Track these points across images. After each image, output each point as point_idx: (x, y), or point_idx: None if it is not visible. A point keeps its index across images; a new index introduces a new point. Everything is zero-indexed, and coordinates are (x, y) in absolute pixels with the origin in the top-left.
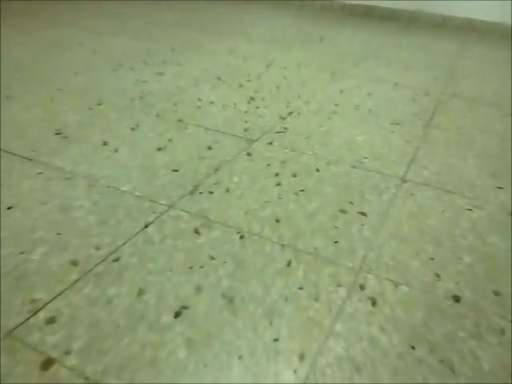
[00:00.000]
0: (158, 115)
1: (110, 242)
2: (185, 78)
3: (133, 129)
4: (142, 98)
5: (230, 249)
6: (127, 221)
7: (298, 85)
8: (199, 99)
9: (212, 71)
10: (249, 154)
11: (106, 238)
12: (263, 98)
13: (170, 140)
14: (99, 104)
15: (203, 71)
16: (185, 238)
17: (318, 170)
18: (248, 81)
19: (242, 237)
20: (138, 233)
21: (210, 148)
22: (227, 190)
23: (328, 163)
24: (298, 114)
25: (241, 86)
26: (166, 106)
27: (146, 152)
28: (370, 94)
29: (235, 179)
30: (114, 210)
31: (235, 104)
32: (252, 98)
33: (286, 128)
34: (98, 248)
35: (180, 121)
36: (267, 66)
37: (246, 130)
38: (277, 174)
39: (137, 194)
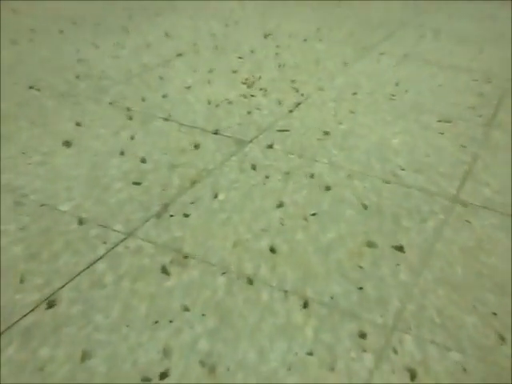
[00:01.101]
0: (112, 103)
1: (44, 284)
2: (150, 52)
3: (78, 124)
4: (89, 78)
5: (211, 296)
6: (67, 254)
7: (309, 63)
8: (170, 82)
9: (189, 43)
10: (240, 162)
11: (37, 277)
12: (260, 83)
13: (129, 139)
14: (31, 87)
15: (177, 43)
16: (148, 280)
17: (335, 186)
18: (239, 57)
19: (228, 279)
20: (82, 271)
21: (184, 151)
22: (209, 212)
23: (350, 176)
24: (309, 104)
25: (229, 64)
26: (123, 90)
27: (95, 157)
28: (408, 79)
29: (220, 197)
30: (50, 237)
31: (221, 90)
32: (245, 82)
33: (291, 125)
34: (26, 291)
35: (143, 112)
36: (265, 37)
37: (235, 126)
38: (278, 191)
39: (82, 215)
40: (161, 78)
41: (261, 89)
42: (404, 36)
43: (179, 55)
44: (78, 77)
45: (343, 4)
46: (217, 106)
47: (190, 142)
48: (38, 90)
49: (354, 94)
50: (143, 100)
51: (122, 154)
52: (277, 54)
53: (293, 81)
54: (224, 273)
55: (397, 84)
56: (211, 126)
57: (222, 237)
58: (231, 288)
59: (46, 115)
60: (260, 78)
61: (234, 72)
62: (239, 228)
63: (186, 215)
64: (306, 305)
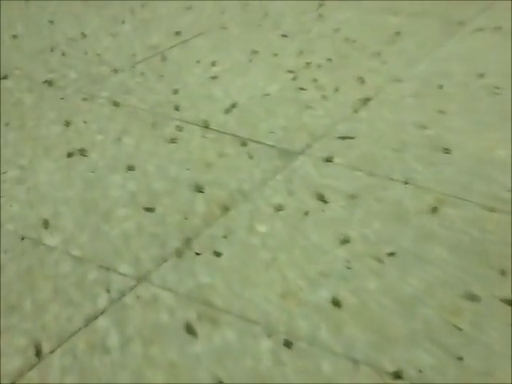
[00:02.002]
0: (110, 99)
1: (27, 346)
2: (161, 29)
3: (66, 126)
4: (80, 64)
5: (252, 366)
6: (58, 305)
7: (381, 44)
8: (189, 70)
9: (213, 15)
10: (287, 180)
11: (19, 336)
12: (312, 71)
13: (135, 148)
14: (3, 77)
15: (197, 16)
16: (167, 343)
17: (419, 215)
18: (283, 35)
19: (275, 343)
20: (78, 330)
21: (211, 166)
22: (247, 250)
23: (439, 201)
24: (380, 101)
25: (269, 45)
26: (126, 81)
27: (90, 172)
28: None
29: (261, 228)
30: (34, 283)
31: (258, 81)
32: (292, 71)
33: (357, 129)
34: (4, 356)
35: (153, 112)
36: (319, 7)
37: (280, 131)
38: (341, 221)
39: (76, 252)
40: (176, 64)
41: (313, 79)
42: (509, 7)
43: (201, 33)
44: (65, 63)
45: None
46: (253, 103)
47: (217, 152)
48: (12, 80)
49: (441, 86)
50: (152, 94)
51: (126, 168)
52: (335, 30)
53: (357, 68)
54: (270, 335)
55: (501, 72)
56: (246, 130)
57: (265, 284)
58: (279, 355)
59: (23, 115)
60: (312, 64)
61: (276, 55)
62: (288, 272)
63: (217, 254)
64: (383, 380)
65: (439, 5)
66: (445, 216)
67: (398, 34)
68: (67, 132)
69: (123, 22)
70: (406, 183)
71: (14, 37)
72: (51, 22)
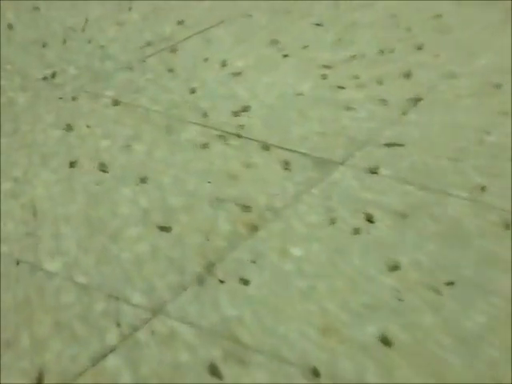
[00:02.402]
0: (117, 100)
1: None
2: (175, 16)
3: (67, 131)
4: (82, 58)
5: None
6: (60, 341)
7: (430, 32)
8: (208, 65)
9: (236, 2)
10: (325, 196)
11: (16, 375)
12: (351, 65)
13: (147, 157)
14: None
15: (215, 2)
16: None
17: (483, 237)
18: (317, 24)
19: None
20: (84, 370)
21: (236, 178)
22: (279, 278)
23: (509, 220)
24: (433, 102)
25: (300, 35)
26: (134, 78)
27: (96, 185)
28: None
29: (296, 252)
30: (32, 314)
31: (288, 78)
32: (328, 67)
33: (406, 135)
34: None
35: (167, 114)
36: None
37: (315, 138)
38: (389, 244)
39: (80, 279)
40: (192, 58)
41: (353, 76)
42: None
43: (220, 22)
44: (63, 56)
45: None
46: (283, 104)
47: (243, 162)
48: (3, 77)
49: (504, 84)
50: (166, 94)
51: (137, 180)
52: (377, 17)
53: (405, 62)
54: (307, 377)
55: None
56: (275, 136)
57: (301, 318)
58: None
59: (16, 117)
60: (351, 57)
61: (308, 48)
62: (329, 304)
63: (244, 281)
64: None
65: None
66: None
67: (452, 21)
68: (68, 137)
69: (130, 9)
70: (466, 199)
71: (9, 26)
72: (47, 8)
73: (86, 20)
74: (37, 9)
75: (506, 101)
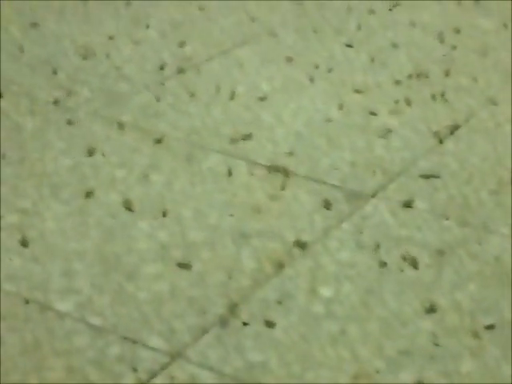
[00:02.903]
0: (133, 125)
1: None
2: (196, 36)
3: (80, 156)
4: (95, 80)
5: None
6: None
7: (470, 54)
8: (231, 88)
9: (261, 19)
10: (356, 231)
11: None
12: (385, 89)
13: (166, 187)
14: None
15: (241, 18)
16: None
17: None
18: (347, 45)
19: None
20: None
21: (261, 211)
22: (307, 320)
23: None
24: (473, 129)
25: (330, 56)
26: (151, 102)
27: (110, 218)
28: None
29: (325, 292)
30: (42, 358)
31: (317, 103)
32: (359, 91)
33: (443, 166)
34: None
35: (187, 141)
36: (392, 8)
37: (345, 167)
38: (426, 284)
39: (93, 320)
40: (215, 80)
41: (387, 101)
42: None
43: (245, 42)
44: (75, 77)
45: None
46: (311, 131)
47: (268, 194)
48: (9, 99)
49: None
50: (186, 119)
51: (156, 213)
52: (412, 37)
53: (442, 86)
54: None
55: None
56: (304, 166)
57: (331, 364)
58: None
59: (23, 144)
60: (384, 81)
61: (339, 70)
62: (361, 349)
63: (270, 324)
64: None
65: None
66: None
67: (493, 42)
68: (80, 166)
69: (148, 27)
70: (508, 235)
71: (14, 44)
72: (57, 24)
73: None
74: (45, 24)
75: None
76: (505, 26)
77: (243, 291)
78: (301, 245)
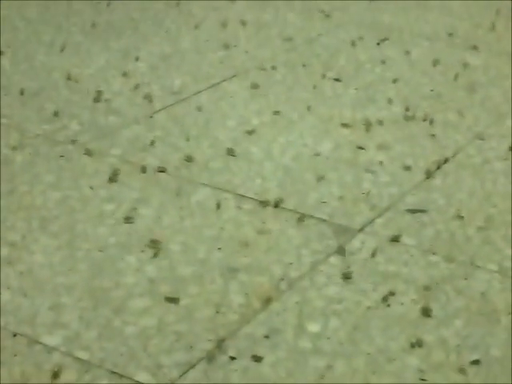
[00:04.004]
0: (122, 158)
1: None
2: (185, 68)
3: (68, 189)
4: (83, 112)
5: None
6: None
7: (457, 90)
8: (219, 122)
9: (252, 53)
10: (344, 265)
11: None
12: (373, 126)
13: (154, 221)
14: None
15: (232, 52)
16: None
17: (510, 311)
18: (336, 79)
19: None
20: None
21: (249, 246)
22: (295, 355)
23: None
24: (459, 165)
25: (319, 90)
26: (140, 135)
27: (99, 252)
28: None
29: (313, 327)
30: None
31: (306, 138)
32: (347, 126)
33: (430, 201)
34: None
35: (175, 176)
36: (379, 43)
37: (333, 202)
38: (412, 320)
39: (81, 355)
40: (204, 114)
41: (375, 136)
42: None
43: (234, 75)
44: (65, 110)
45: None
46: (300, 165)
47: (256, 228)
48: None
49: None
50: (175, 153)
51: (144, 247)
52: (401, 72)
53: (430, 122)
54: None
55: None
56: (292, 201)
57: None
58: None
59: (12, 177)
60: (372, 116)
61: (327, 105)
62: None
63: (257, 359)
64: None
65: None
66: None
67: (480, 78)
68: (69, 200)
69: (137, 59)
70: (495, 272)
71: (3, 76)
72: (47, 56)
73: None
74: (35, 55)
75: None
76: (493, 62)
77: (231, 326)
78: (288, 279)
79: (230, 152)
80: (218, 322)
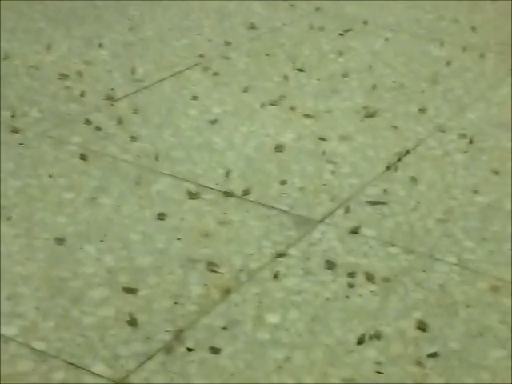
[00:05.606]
0: (83, 150)
1: None
2: (147, 56)
3: (27, 177)
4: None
5: None
6: None
7: (420, 81)
8: (181, 111)
9: (215, 43)
10: (304, 257)
11: None
12: (333, 117)
13: (113, 211)
14: None
15: (194, 40)
16: None
17: (471, 305)
18: (299, 69)
19: None
20: None
21: (209, 236)
22: (254, 347)
23: (499, 288)
24: (420, 157)
25: (282, 83)
26: (100, 120)
27: (57, 243)
28: None
29: (272, 319)
30: None
31: (268, 128)
32: (310, 116)
33: (390, 192)
34: None
35: (135, 164)
36: (343, 33)
37: (294, 193)
38: (371, 311)
39: (38, 345)
40: (166, 102)
41: (337, 127)
42: None
43: (197, 64)
44: (24, 97)
45: None
46: (261, 155)
47: (217, 219)
48: None
49: (498, 139)
50: (136, 142)
51: (102, 236)
52: (363, 65)
53: (392, 114)
54: None
55: None
56: (253, 191)
57: None
58: None
59: None
60: (334, 107)
61: (290, 95)
62: (305, 376)
63: (215, 350)
64: None
65: (498, 35)
66: (502, 307)
67: (443, 70)
68: (28, 188)
69: (100, 46)
70: (453, 264)
71: None
72: (8, 42)
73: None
74: None
75: (500, 158)
76: (456, 54)
77: (189, 317)
78: (248, 271)
79: (192, 141)
80: (177, 313)
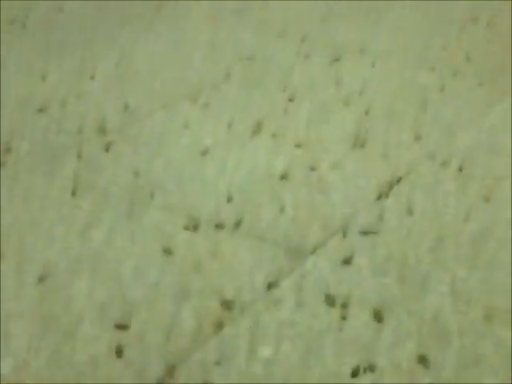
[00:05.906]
0: (78, 182)
1: None
2: (137, 86)
3: (18, 211)
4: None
5: None
6: None
7: (410, 108)
8: (173, 142)
9: (206, 72)
10: (296, 288)
11: None
12: (325, 145)
13: (103, 242)
14: None
15: (184, 71)
16: None
17: (463, 334)
18: (289, 100)
19: None
20: None
21: (201, 269)
22: (246, 380)
23: (492, 317)
24: (412, 185)
25: (272, 109)
26: (94, 153)
27: (47, 278)
28: None
29: (264, 351)
30: None
31: (259, 157)
32: (300, 146)
33: (382, 222)
34: None
35: (125, 197)
36: (332, 62)
37: (285, 224)
38: (365, 345)
39: (29, 383)
40: (158, 133)
41: (328, 156)
42: None
43: (188, 94)
44: (15, 130)
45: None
46: (253, 185)
47: (209, 250)
48: None
49: (489, 166)
50: (128, 173)
51: (93, 270)
52: (354, 93)
53: (382, 141)
54: None
55: None
56: (245, 222)
57: None
58: None
59: None
60: (325, 136)
61: (281, 125)
62: None
63: None
64: None
65: (488, 61)
66: (496, 336)
67: (433, 97)
68: (19, 223)
69: (92, 78)
70: (445, 293)
71: None
72: None
73: None
74: None
75: (491, 185)
76: (446, 81)
77: (182, 352)
78: (240, 303)
79: (183, 172)
80: (169, 349)
